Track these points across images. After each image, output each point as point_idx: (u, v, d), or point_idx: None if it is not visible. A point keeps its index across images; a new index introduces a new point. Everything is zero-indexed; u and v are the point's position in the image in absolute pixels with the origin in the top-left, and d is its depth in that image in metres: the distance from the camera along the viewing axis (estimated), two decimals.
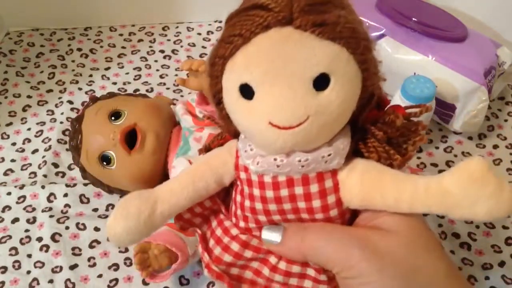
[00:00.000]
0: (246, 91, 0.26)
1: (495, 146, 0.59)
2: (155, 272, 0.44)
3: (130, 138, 0.48)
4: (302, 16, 0.24)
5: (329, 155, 0.27)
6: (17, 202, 0.54)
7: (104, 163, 0.49)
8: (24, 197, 0.55)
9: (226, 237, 0.32)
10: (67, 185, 0.55)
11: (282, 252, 0.31)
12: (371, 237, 0.28)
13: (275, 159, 0.27)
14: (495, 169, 0.27)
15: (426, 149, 0.59)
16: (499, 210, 0.26)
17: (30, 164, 0.58)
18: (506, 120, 0.62)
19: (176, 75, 0.69)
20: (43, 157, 0.59)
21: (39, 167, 0.58)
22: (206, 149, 0.34)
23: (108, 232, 0.31)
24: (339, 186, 0.28)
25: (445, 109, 0.58)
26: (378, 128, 0.29)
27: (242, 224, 0.32)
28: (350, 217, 0.31)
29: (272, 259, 0.32)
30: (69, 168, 0.57)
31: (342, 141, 0.28)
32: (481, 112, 0.56)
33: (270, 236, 0.30)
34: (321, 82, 0.25)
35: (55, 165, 0.58)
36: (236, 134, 0.31)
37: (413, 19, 0.59)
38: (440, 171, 0.58)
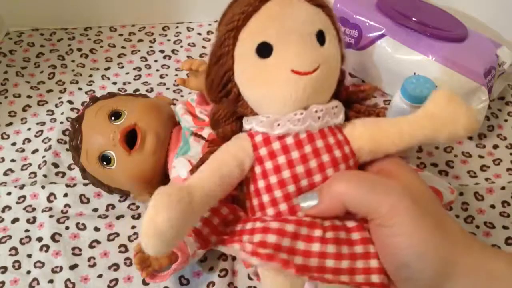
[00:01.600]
0: (264, 50, 0.30)
1: (495, 146, 0.59)
2: (155, 272, 0.44)
3: (130, 138, 0.48)
4: None
5: (336, 106, 0.32)
6: (17, 202, 0.54)
7: (104, 163, 0.49)
8: (24, 197, 0.55)
9: (260, 223, 0.32)
10: (67, 185, 0.55)
11: (321, 210, 0.31)
12: (407, 188, 0.30)
13: (295, 114, 0.31)
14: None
15: (426, 149, 0.59)
16: (474, 122, 0.32)
17: (30, 164, 0.58)
18: (506, 120, 0.62)
19: (176, 75, 0.69)
20: (43, 157, 0.59)
21: (39, 167, 0.58)
22: (202, 161, 0.34)
23: (147, 231, 0.28)
24: (348, 139, 0.33)
25: None
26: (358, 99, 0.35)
27: (271, 211, 0.32)
28: None
29: (317, 232, 0.31)
30: (69, 168, 0.57)
31: (338, 101, 0.33)
32: (481, 112, 0.56)
33: (308, 200, 0.31)
34: (320, 37, 0.31)
35: (55, 165, 0.58)
36: (233, 133, 0.34)
37: (413, 19, 0.60)
38: (440, 172, 0.59)
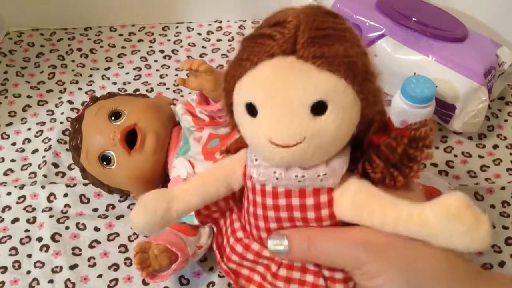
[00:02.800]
0: (251, 109, 0.28)
1: (495, 146, 0.59)
2: (155, 272, 0.44)
3: (130, 138, 0.48)
4: (305, 48, 0.27)
5: (324, 174, 0.29)
6: (17, 202, 0.54)
7: (104, 163, 0.49)
8: (24, 197, 0.55)
9: (232, 238, 0.35)
10: (67, 185, 0.55)
11: (291, 260, 0.33)
12: (371, 236, 0.30)
13: (274, 172, 0.30)
14: (474, 206, 0.28)
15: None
16: (475, 246, 0.28)
17: (30, 164, 0.58)
18: (506, 120, 0.62)
19: (176, 75, 0.69)
20: (43, 157, 0.59)
21: (39, 167, 0.58)
22: (227, 150, 0.36)
23: (132, 223, 0.34)
24: (333, 202, 0.30)
25: (445, 109, 0.58)
26: (380, 152, 0.30)
27: (247, 227, 0.34)
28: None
29: (273, 267, 0.33)
30: (69, 168, 0.57)
31: (339, 162, 0.30)
32: (481, 112, 0.56)
33: (277, 247, 0.32)
34: (318, 108, 0.27)
35: (55, 165, 0.58)
36: None
37: (413, 19, 0.59)
38: (440, 172, 0.59)
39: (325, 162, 0.30)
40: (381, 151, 0.30)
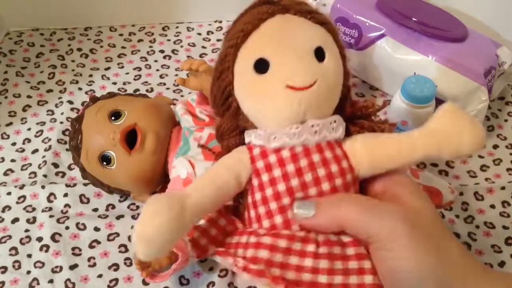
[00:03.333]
0: (262, 66, 0.31)
1: (495, 146, 0.59)
2: (155, 272, 0.44)
3: (130, 138, 0.48)
4: (299, 5, 0.33)
5: (335, 121, 0.32)
6: (17, 202, 0.54)
7: (104, 163, 0.49)
8: (24, 197, 0.55)
9: (254, 237, 0.32)
10: (67, 185, 0.55)
11: (317, 224, 0.31)
12: (408, 212, 0.30)
13: (291, 128, 0.31)
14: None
15: None
16: (480, 138, 0.31)
17: (30, 164, 0.58)
18: (506, 120, 0.62)
19: (176, 75, 0.69)
20: (43, 157, 0.59)
21: (39, 167, 0.58)
22: (220, 153, 0.36)
23: (137, 235, 0.30)
24: (348, 154, 0.33)
25: None
26: (358, 115, 0.35)
27: (266, 223, 0.32)
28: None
29: (310, 247, 0.31)
30: (69, 168, 0.57)
31: (339, 116, 0.33)
32: (481, 112, 0.56)
33: (303, 209, 0.31)
34: (319, 54, 0.31)
35: (55, 165, 0.58)
36: (236, 146, 0.35)
37: (413, 19, 0.60)
38: (441, 172, 0.59)
39: (331, 114, 0.33)
40: (359, 115, 0.35)
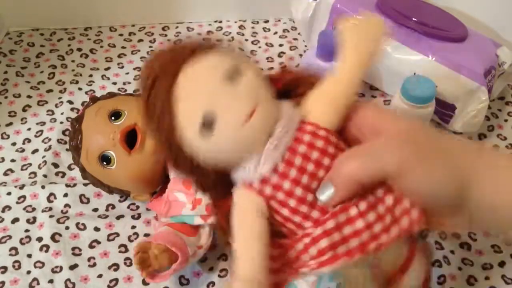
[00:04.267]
0: (207, 125, 0.31)
1: (495, 146, 0.59)
2: (155, 272, 0.44)
3: (130, 138, 0.48)
4: (200, 46, 0.33)
5: (290, 107, 0.34)
6: (17, 202, 0.54)
7: (104, 163, 0.49)
8: (24, 197, 0.55)
9: (307, 238, 0.33)
10: (67, 185, 0.55)
11: (342, 195, 0.32)
12: (400, 137, 0.32)
13: (268, 146, 0.32)
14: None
15: None
16: (380, 22, 0.35)
17: (30, 164, 0.58)
18: (506, 120, 0.62)
19: None
20: (43, 157, 0.59)
21: (39, 167, 0.58)
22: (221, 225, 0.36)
23: None
24: (314, 122, 0.33)
25: (445, 109, 0.58)
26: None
27: (307, 224, 0.33)
28: None
29: (353, 211, 0.32)
30: (69, 168, 0.57)
31: (283, 101, 0.34)
32: (481, 112, 0.56)
33: (325, 193, 0.32)
34: (236, 72, 0.32)
35: (55, 165, 0.58)
36: (226, 192, 0.34)
37: (413, 19, 0.60)
38: None
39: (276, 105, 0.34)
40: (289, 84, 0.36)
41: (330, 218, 0.32)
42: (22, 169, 0.58)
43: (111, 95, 0.54)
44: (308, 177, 0.32)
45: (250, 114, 0.31)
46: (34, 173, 0.57)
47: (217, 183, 0.34)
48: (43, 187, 0.55)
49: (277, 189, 0.32)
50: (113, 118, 0.49)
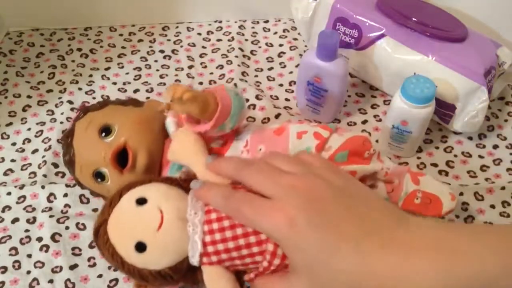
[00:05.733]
0: (140, 248, 0.40)
1: (495, 146, 0.59)
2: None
3: (123, 154, 0.47)
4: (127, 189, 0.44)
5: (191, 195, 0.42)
6: (17, 202, 0.54)
7: (99, 179, 0.48)
8: (24, 197, 0.55)
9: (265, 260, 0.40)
10: (67, 185, 0.55)
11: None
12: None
13: (189, 227, 0.39)
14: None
15: (426, 149, 0.59)
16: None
17: (30, 164, 0.58)
18: (506, 120, 0.62)
19: (176, 75, 0.69)
20: (43, 157, 0.59)
21: (39, 167, 0.58)
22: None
23: None
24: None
25: (445, 109, 0.58)
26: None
27: (258, 257, 0.39)
28: None
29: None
30: None
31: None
32: (481, 112, 0.56)
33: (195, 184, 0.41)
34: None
35: (55, 165, 0.58)
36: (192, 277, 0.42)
37: (413, 19, 0.59)
38: (440, 172, 0.59)
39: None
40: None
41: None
42: (22, 169, 0.58)
43: (101, 105, 0.52)
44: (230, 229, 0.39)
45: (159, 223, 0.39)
46: (34, 173, 0.57)
47: (182, 276, 0.41)
48: (43, 187, 0.55)
49: (217, 253, 0.39)
50: (103, 134, 0.48)
